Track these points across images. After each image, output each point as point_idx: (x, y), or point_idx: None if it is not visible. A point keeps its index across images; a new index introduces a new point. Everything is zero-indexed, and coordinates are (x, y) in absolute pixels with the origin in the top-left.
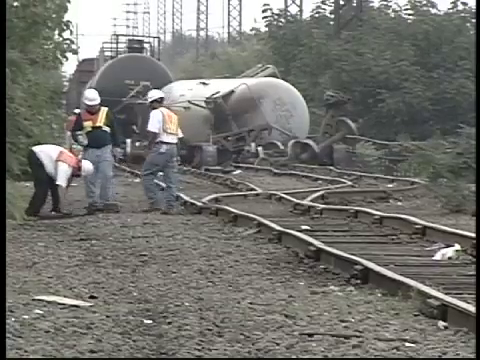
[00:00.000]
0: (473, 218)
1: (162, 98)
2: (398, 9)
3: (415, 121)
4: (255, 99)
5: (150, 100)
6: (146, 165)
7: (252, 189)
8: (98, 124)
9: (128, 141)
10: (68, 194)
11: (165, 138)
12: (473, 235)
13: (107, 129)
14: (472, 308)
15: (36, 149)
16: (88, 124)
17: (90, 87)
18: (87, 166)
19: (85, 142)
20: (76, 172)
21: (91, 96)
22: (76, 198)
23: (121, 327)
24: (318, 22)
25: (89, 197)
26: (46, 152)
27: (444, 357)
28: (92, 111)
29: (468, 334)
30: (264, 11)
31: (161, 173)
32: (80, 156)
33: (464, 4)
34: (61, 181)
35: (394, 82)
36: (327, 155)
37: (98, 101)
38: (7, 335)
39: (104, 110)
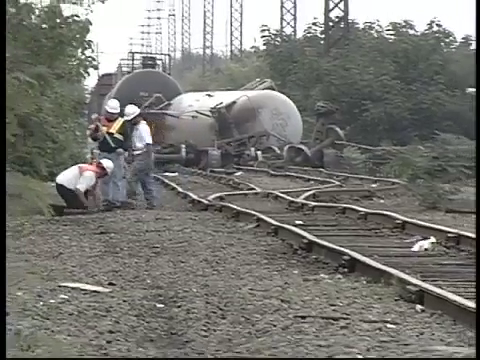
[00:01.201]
0: (447, 214)
1: (140, 113)
2: (381, 30)
3: (395, 128)
4: (254, 109)
5: (133, 116)
6: (136, 171)
7: (252, 188)
8: (111, 131)
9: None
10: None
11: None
12: (447, 229)
13: (119, 136)
14: (446, 293)
15: (61, 179)
16: (104, 129)
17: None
18: (107, 164)
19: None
20: (102, 174)
21: (113, 105)
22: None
23: (136, 310)
24: (310, 41)
25: (105, 195)
26: (71, 176)
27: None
28: (111, 119)
29: (442, 316)
30: (262, 31)
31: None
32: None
33: (438, 26)
34: (81, 186)
35: (377, 94)
36: (318, 158)
37: (118, 111)
38: (36, 316)
39: (120, 120)
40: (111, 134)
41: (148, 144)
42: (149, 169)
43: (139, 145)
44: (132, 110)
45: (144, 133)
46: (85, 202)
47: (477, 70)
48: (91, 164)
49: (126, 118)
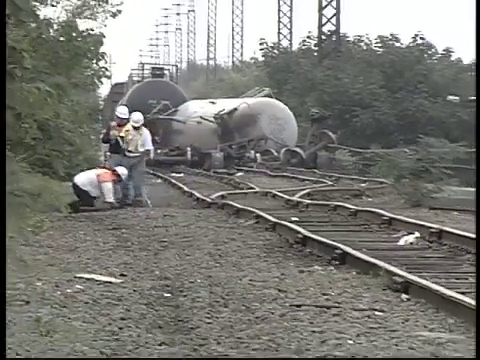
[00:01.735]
0: (430, 211)
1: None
2: (369, 43)
3: (383, 133)
4: (254, 115)
5: (140, 123)
6: (142, 173)
7: (251, 188)
8: (122, 134)
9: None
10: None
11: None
12: (430, 225)
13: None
14: (429, 283)
15: (79, 180)
16: (114, 133)
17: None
18: (122, 171)
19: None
20: (118, 180)
21: (122, 111)
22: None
23: (146, 299)
24: (305, 53)
25: (117, 194)
26: (87, 180)
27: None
28: (121, 124)
29: (426, 305)
30: (261, 44)
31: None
32: (107, 163)
33: (422, 39)
34: (108, 198)
35: (366, 101)
36: (312, 160)
37: (126, 116)
38: (54, 305)
39: (129, 124)
40: (122, 137)
41: (149, 150)
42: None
43: (141, 149)
44: (139, 117)
45: (148, 139)
46: (109, 202)
47: (477, 70)
48: (104, 167)
49: (134, 124)
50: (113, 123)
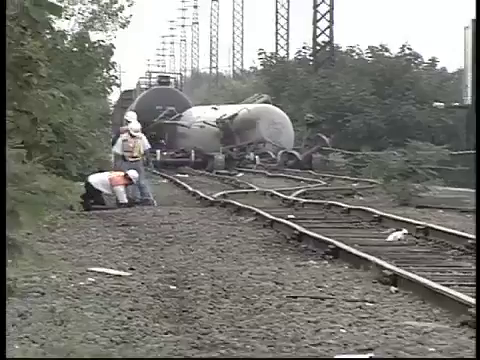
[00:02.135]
0: (417, 209)
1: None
2: (360, 53)
3: (373, 136)
4: (253, 120)
5: (139, 132)
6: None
7: (251, 188)
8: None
9: (158, 151)
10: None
11: None
12: (416, 222)
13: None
14: (416, 276)
15: (92, 180)
16: (125, 134)
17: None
18: (133, 174)
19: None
20: (129, 183)
21: (131, 115)
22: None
23: (153, 291)
24: (300, 62)
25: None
26: (100, 181)
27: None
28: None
29: (413, 296)
30: (260, 54)
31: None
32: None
33: (409, 49)
34: (122, 200)
35: (357, 107)
36: (307, 162)
37: (135, 120)
38: (67, 296)
39: (127, 134)
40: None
41: (149, 148)
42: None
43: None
44: (137, 127)
45: (146, 141)
46: (122, 203)
47: (477, 72)
48: (115, 170)
49: (134, 134)
50: (123, 128)
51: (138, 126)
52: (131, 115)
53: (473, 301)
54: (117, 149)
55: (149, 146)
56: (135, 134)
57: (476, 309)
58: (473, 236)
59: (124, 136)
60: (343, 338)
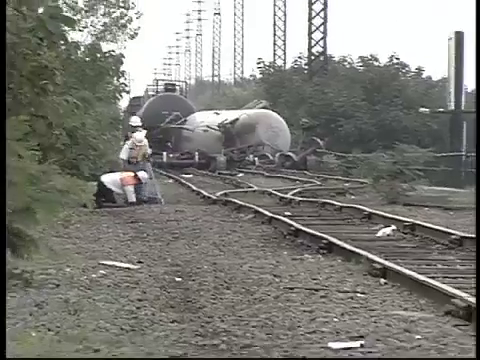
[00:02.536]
0: (404, 207)
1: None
2: (352, 62)
3: (363, 140)
4: (253, 124)
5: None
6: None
7: (250, 187)
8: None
9: (164, 153)
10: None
11: None
12: (404, 219)
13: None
14: (404, 269)
15: (104, 180)
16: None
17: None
18: (142, 175)
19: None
20: (138, 183)
21: (135, 120)
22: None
23: (160, 283)
24: (296, 71)
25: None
26: (111, 181)
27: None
28: (134, 131)
29: (401, 288)
30: (258, 63)
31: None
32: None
33: (397, 59)
34: (131, 198)
35: (349, 113)
36: (303, 163)
37: (139, 124)
38: (80, 287)
39: (144, 131)
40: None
41: (150, 152)
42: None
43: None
44: (142, 138)
45: (149, 150)
46: (131, 202)
47: (477, 74)
48: (126, 171)
49: (138, 144)
50: (129, 134)
51: (142, 136)
52: (134, 119)
53: (457, 292)
54: (123, 155)
55: (150, 152)
56: (139, 144)
57: (476, 309)
58: (456, 232)
59: (130, 144)
60: (336, 326)
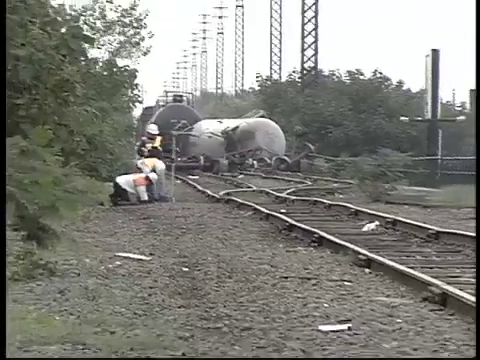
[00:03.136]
0: (386, 204)
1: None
2: (340, 76)
3: (350, 145)
4: (252, 131)
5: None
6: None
7: (250, 187)
8: (155, 145)
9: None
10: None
11: None
12: (386, 215)
13: (160, 149)
14: (386, 260)
15: (119, 181)
16: (149, 145)
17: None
18: (153, 176)
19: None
20: (149, 184)
21: (153, 128)
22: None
23: (169, 272)
24: (290, 84)
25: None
26: (126, 182)
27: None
28: (152, 137)
29: (383, 276)
30: (257, 77)
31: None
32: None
33: (380, 73)
34: (143, 197)
35: (337, 121)
36: (296, 166)
37: (157, 132)
38: (99, 276)
39: (159, 138)
40: (156, 147)
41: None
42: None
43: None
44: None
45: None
46: (145, 201)
47: (477, 76)
48: (138, 171)
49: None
50: (144, 138)
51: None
52: (153, 128)
53: (433, 280)
54: (139, 164)
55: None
56: (152, 132)
57: (476, 308)
58: (433, 227)
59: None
60: (326, 311)
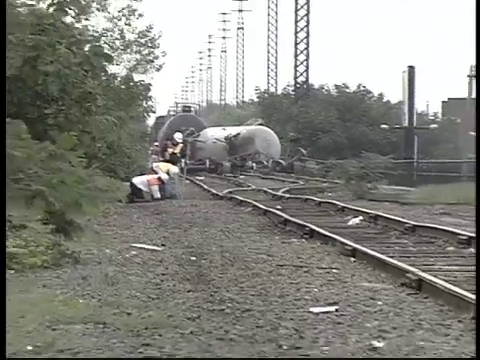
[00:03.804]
0: (369, 201)
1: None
2: (328, 89)
3: (338, 149)
4: (251, 137)
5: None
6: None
7: (249, 186)
8: (175, 151)
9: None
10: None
11: None
12: (369, 211)
13: (179, 155)
14: (369, 250)
15: (135, 181)
16: (170, 150)
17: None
18: (165, 177)
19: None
20: (161, 184)
21: (179, 136)
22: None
23: (179, 261)
24: (285, 96)
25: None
26: (141, 182)
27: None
28: (176, 144)
29: (367, 265)
30: (256, 90)
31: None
32: (154, 164)
33: (363, 87)
34: (156, 195)
35: (326, 128)
36: (290, 168)
37: (181, 141)
38: (117, 264)
39: (180, 145)
40: (175, 153)
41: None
42: None
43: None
44: (176, 170)
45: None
46: (156, 198)
47: (477, 76)
48: (152, 173)
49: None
50: (167, 142)
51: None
52: (178, 136)
53: (410, 268)
54: (154, 167)
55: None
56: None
57: (476, 308)
58: (410, 221)
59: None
60: (316, 295)
